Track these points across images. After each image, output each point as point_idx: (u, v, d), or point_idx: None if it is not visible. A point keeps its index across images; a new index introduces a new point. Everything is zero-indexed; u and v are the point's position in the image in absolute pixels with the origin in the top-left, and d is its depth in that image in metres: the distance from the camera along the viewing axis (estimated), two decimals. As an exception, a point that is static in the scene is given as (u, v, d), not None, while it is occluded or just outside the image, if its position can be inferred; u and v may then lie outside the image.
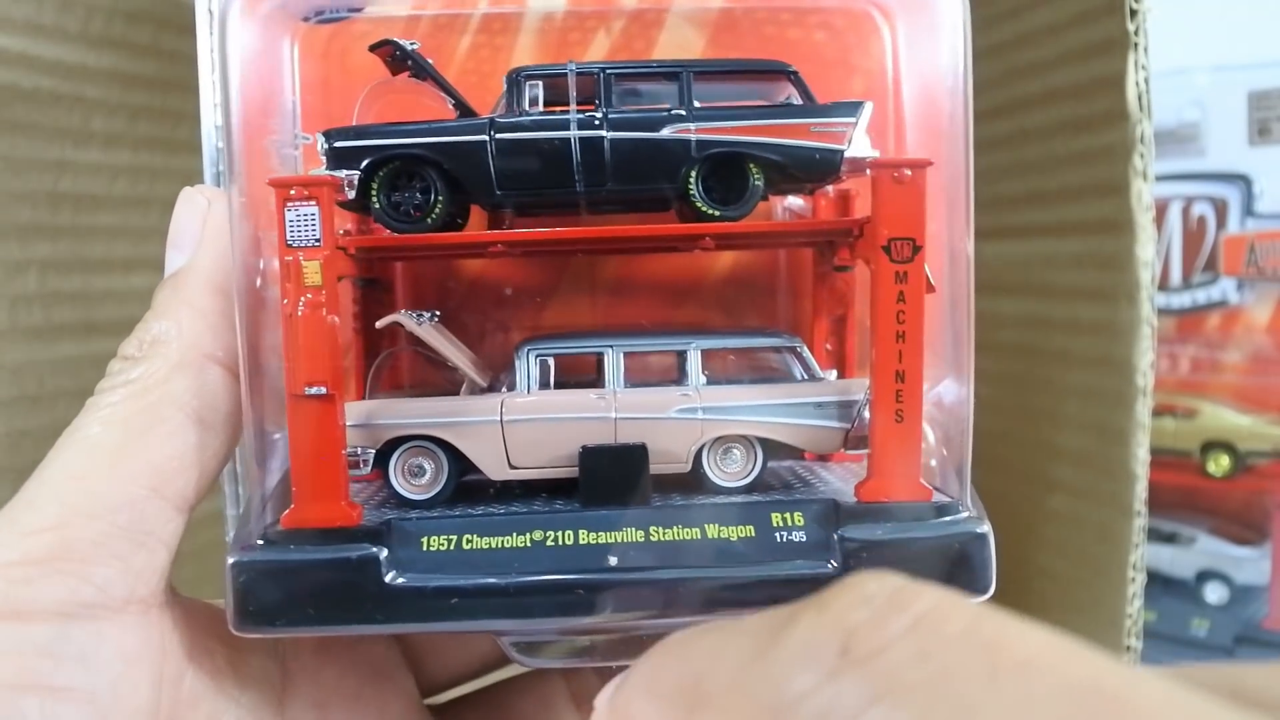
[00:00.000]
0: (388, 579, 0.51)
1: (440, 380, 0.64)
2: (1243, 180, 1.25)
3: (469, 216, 0.60)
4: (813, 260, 0.67)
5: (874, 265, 0.53)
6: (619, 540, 0.53)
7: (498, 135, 0.55)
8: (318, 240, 0.52)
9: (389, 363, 0.64)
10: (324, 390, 0.52)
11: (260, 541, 0.52)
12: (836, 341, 0.66)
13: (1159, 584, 1.26)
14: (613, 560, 0.52)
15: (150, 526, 0.49)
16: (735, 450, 0.57)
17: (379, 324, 0.58)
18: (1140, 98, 0.59)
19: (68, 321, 0.75)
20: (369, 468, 0.56)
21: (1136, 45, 0.59)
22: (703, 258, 0.68)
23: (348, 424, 0.56)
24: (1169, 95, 1.22)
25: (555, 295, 0.69)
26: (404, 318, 0.58)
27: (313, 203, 0.52)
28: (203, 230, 0.54)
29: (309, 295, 0.51)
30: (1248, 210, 1.24)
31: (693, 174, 0.55)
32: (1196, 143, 1.28)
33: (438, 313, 0.62)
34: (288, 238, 0.52)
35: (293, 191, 0.52)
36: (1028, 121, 0.72)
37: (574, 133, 0.54)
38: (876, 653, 0.27)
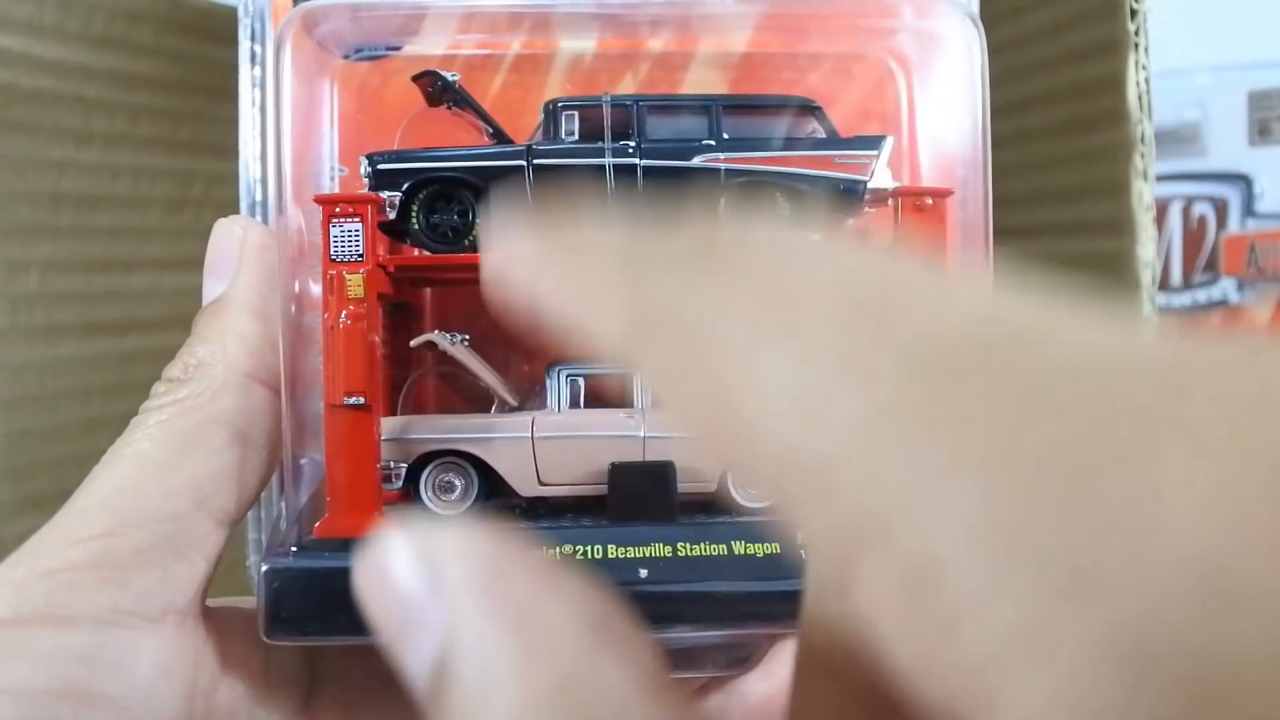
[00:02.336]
0: (418, 587, 0.51)
1: (465, 406, 0.65)
2: (1243, 180, 1.23)
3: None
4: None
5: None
6: (648, 555, 0.53)
7: (535, 160, 0.57)
8: (360, 255, 0.54)
9: (418, 384, 0.65)
10: (362, 400, 0.53)
11: (294, 549, 0.53)
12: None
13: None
14: (644, 573, 0.53)
15: (192, 539, 0.50)
16: (760, 471, 0.58)
17: (413, 343, 0.60)
18: (1140, 98, 0.59)
19: (69, 322, 0.74)
20: (401, 482, 0.57)
21: (1136, 45, 0.59)
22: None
23: (383, 438, 0.57)
24: (1169, 95, 1.19)
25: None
26: (438, 337, 0.59)
27: (356, 219, 0.54)
28: (240, 258, 0.55)
29: (351, 307, 0.53)
30: (1248, 210, 1.23)
31: (721, 201, 0.57)
32: (1197, 143, 1.26)
33: (467, 336, 0.63)
34: (332, 253, 0.54)
35: (338, 209, 0.54)
36: (1028, 121, 0.73)
37: (609, 160, 0.57)
38: None
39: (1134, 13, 0.59)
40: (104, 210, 0.77)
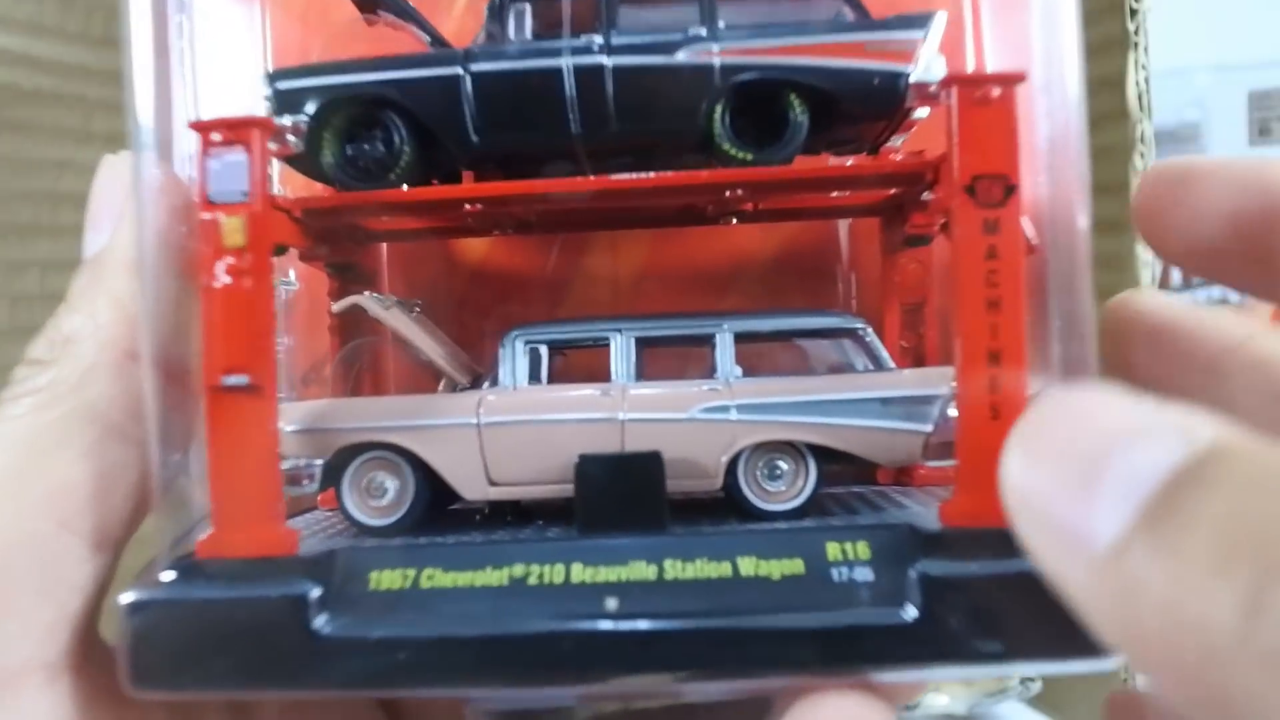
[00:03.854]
0: (316, 626, 0.39)
1: (413, 390, 0.53)
2: (1245, 180, 1.21)
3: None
4: (881, 234, 0.54)
5: (956, 214, 0.40)
6: (623, 579, 0.40)
7: (474, 68, 0.44)
8: (244, 194, 0.41)
9: (361, 361, 0.53)
10: (246, 380, 0.41)
11: (167, 575, 0.41)
12: (913, 337, 0.53)
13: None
14: (611, 604, 0.39)
15: (59, 571, 0.39)
16: (781, 463, 0.44)
17: (335, 307, 0.48)
18: (1140, 98, 0.59)
19: None
20: (316, 484, 0.45)
21: (1136, 45, 0.59)
22: (743, 240, 0.56)
23: (290, 429, 0.45)
24: (1169, 95, 1.20)
25: (569, 290, 0.58)
26: (368, 301, 0.47)
27: (239, 149, 0.42)
28: (125, 205, 0.44)
29: (230, 260, 0.41)
30: (1249, 210, 1.20)
31: (717, 109, 0.44)
32: (1197, 143, 1.30)
33: (419, 303, 0.51)
34: (209, 191, 0.42)
35: (215, 136, 0.42)
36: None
37: (567, 60, 0.43)
38: None
39: (1134, 12, 0.58)
40: None
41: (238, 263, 0.41)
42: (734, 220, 0.51)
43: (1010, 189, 0.40)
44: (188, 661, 0.39)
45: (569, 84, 0.43)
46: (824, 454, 0.44)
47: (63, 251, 0.69)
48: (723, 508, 0.45)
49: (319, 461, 0.45)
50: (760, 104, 0.44)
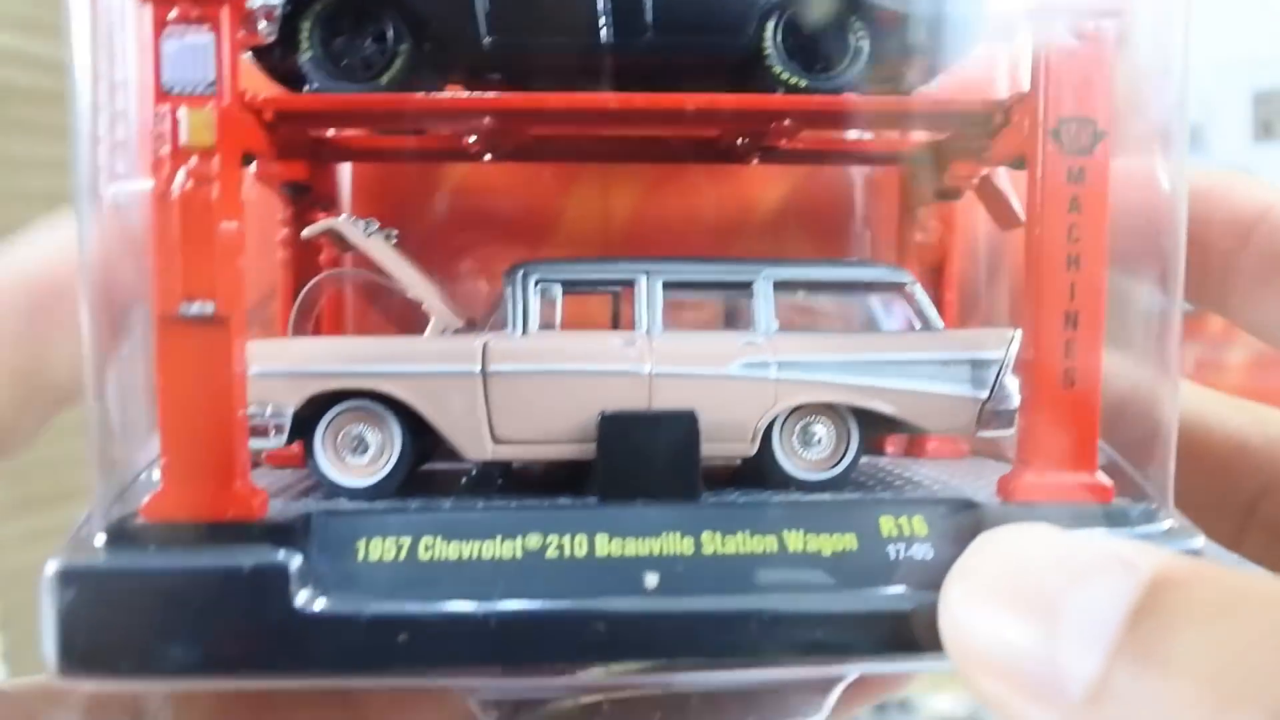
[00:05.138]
0: (300, 602, 0.33)
1: (391, 331, 0.47)
2: (1246, 179, 1.28)
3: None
4: (901, 186, 0.50)
5: (1037, 160, 0.36)
6: (655, 553, 0.35)
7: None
8: (210, 84, 0.34)
9: (323, 295, 0.46)
10: (210, 309, 0.34)
11: (104, 540, 0.34)
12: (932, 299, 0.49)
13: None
14: (651, 581, 0.34)
15: None
16: (819, 427, 0.40)
17: (306, 232, 0.41)
18: None
19: None
20: (283, 436, 0.38)
21: None
22: (749, 185, 0.51)
23: (253, 371, 0.38)
24: None
25: (555, 232, 0.52)
26: (345, 224, 0.40)
27: (205, 28, 0.34)
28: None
29: (194, 162, 0.34)
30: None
31: (769, 26, 0.38)
32: (1200, 141, 1.30)
33: (395, 231, 0.44)
34: (164, 79, 0.34)
35: (174, 13, 0.34)
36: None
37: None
38: None
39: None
40: None
41: (202, 165, 0.34)
42: (755, 160, 0.46)
43: (1099, 135, 0.36)
44: (130, 644, 0.33)
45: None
46: (866, 419, 0.40)
47: None
48: (751, 476, 0.40)
49: (286, 412, 0.38)
50: (817, 23, 0.39)
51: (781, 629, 0.34)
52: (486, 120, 0.38)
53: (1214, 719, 0.24)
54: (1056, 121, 0.36)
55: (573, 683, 0.35)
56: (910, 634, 0.34)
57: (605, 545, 0.35)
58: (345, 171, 0.50)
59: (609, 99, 0.38)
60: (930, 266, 0.50)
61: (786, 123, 0.39)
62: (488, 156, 0.45)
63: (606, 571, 0.34)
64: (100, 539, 0.34)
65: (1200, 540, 0.36)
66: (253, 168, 0.44)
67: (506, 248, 0.51)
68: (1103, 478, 0.37)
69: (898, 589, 0.35)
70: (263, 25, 0.37)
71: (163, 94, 0.34)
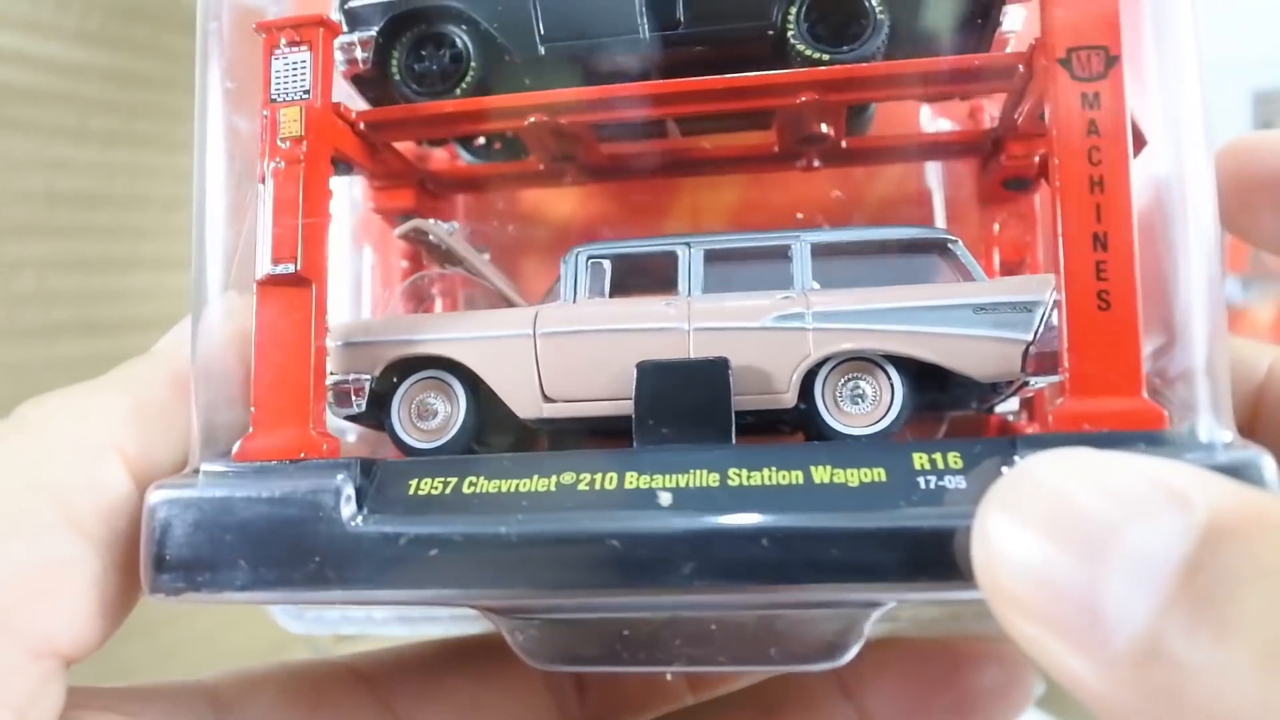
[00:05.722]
0: (346, 520, 0.36)
1: None
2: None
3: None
4: (978, 180, 0.50)
5: (1052, 91, 0.36)
6: (681, 485, 0.36)
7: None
8: (306, 92, 0.41)
9: (417, 296, 0.51)
10: (292, 268, 0.39)
11: (194, 475, 0.39)
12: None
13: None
14: (665, 499, 0.35)
15: None
16: (863, 381, 0.40)
17: (396, 232, 0.46)
18: None
19: (66, 321, 0.72)
20: (363, 400, 0.42)
21: None
22: (817, 184, 0.52)
23: (338, 343, 0.43)
24: None
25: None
26: (429, 224, 0.46)
27: (303, 48, 0.41)
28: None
29: (286, 145, 0.40)
30: (1252, 209, 1.14)
31: (793, 7, 0.42)
32: None
33: (488, 248, 0.49)
34: (272, 92, 0.41)
35: (282, 37, 0.42)
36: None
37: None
38: None
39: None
40: (101, 209, 0.74)
41: (292, 150, 0.40)
42: (815, 163, 0.48)
43: (1112, 59, 0.36)
44: (205, 560, 0.37)
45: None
46: (910, 368, 0.40)
47: (59, 251, 0.72)
48: (792, 425, 0.41)
49: (366, 377, 0.42)
50: (838, 3, 0.41)
51: (797, 545, 0.33)
52: (544, 118, 0.42)
53: (1273, 691, 0.22)
54: (1065, 50, 0.36)
55: (591, 603, 0.36)
56: (939, 560, 0.33)
57: (634, 480, 0.36)
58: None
59: (647, 87, 0.42)
60: (1013, 265, 0.49)
61: (811, 96, 0.41)
62: (567, 179, 0.50)
63: (627, 497, 0.35)
64: (192, 475, 0.39)
65: (1270, 464, 0.33)
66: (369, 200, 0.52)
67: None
68: (1150, 401, 0.35)
69: (927, 512, 0.34)
70: (360, 54, 0.45)
71: (270, 102, 0.41)
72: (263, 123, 0.41)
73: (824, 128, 0.44)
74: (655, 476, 0.36)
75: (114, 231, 0.74)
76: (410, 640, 0.50)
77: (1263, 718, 0.21)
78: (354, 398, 0.42)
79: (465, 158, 0.53)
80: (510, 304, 0.46)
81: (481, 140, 0.52)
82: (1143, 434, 0.34)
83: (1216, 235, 0.36)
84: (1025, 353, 0.38)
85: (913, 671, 0.49)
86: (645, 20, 0.42)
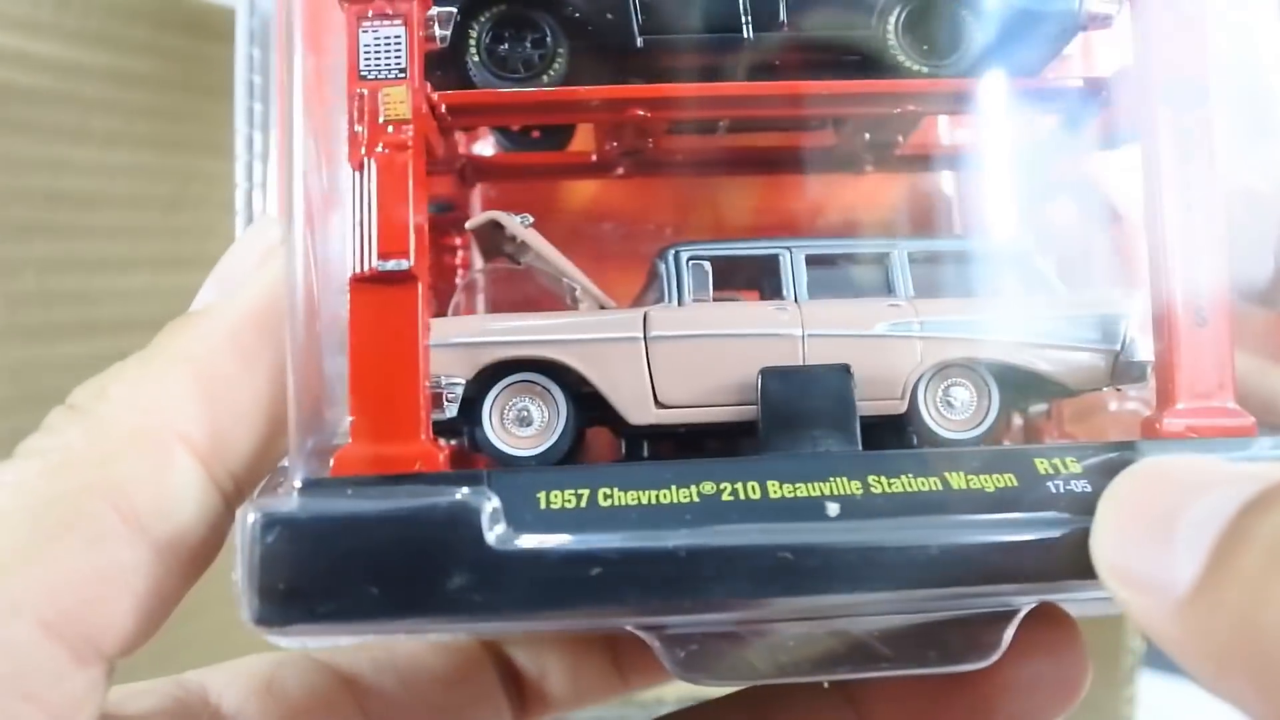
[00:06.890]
0: (492, 539, 0.34)
1: None
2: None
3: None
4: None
5: (1151, 121, 0.39)
6: (829, 493, 0.36)
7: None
8: (402, 70, 0.38)
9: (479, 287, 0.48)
10: (405, 265, 0.36)
11: (300, 489, 0.35)
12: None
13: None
14: (833, 510, 0.35)
15: (31, 686, 0.31)
16: (960, 389, 0.41)
17: (469, 224, 0.43)
18: None
19: (66, 321, 0.73)
20: (455, 406, 0.39)
21: None
22: (861, 194, 0.53)
23: (432, 343, 0.40)
24: None
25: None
26: (503, 216, 0.43)
27: (398, 22, 0.38)
28: (258, 270, 0.37)
29: (390, 131, 0.37)
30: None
31: (893, 15, 0.42)
32: None
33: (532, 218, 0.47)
34: (361, 68, 0.38)
35: (371, 10, 0.38)
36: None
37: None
38: None
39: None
40: (101, 209, 0.75)
41: (398, 135, 0.37)
42: (869, 168, 0.49)
43: (1202, 91, 0.39)
44: (329, 587, 0.33)
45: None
46: (1005, 378, 0.42)
47: (60, 251, 0.72)
48: (894, 438, 0.42)
49: (460, 381, 0.40)
50: (935, 15, 0.42)
51: (959, 551, 0.35)
52: (640, 112, 0.41)
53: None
54: (1163, 82, 0.39)
55: (758, 615, 0.35)
56: (1084, 560, 0.35)
57: (777, 489, 0.36)
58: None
59: (763, 87, 0.41)
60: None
61: (910, 108, 0.42)
62: (620, 170, 0.48)
63: (785, 508, 0.35)
64: (298, 489, 0.35)
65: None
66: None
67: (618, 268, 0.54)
68: (1242, 412, 0.38)
69: (1064, 516, 0.36)
70: (436, 30, 0.42)
71: (359, 80, 0.37)
72: (357, 102, 0.37)
73: (900, 137, 0.45)
74: (799, 485, 0.36)
75: (115, 232, 0.76)
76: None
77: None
78: (446, 403, 0.40)
79: (502, 144, 0.50)
80: (594, 295, 0.44)
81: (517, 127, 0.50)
82: (1236, 440, 0.38)
83: None
84: (1114, 362, 0.41)
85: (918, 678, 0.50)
86: (749, 19, 0.41)
